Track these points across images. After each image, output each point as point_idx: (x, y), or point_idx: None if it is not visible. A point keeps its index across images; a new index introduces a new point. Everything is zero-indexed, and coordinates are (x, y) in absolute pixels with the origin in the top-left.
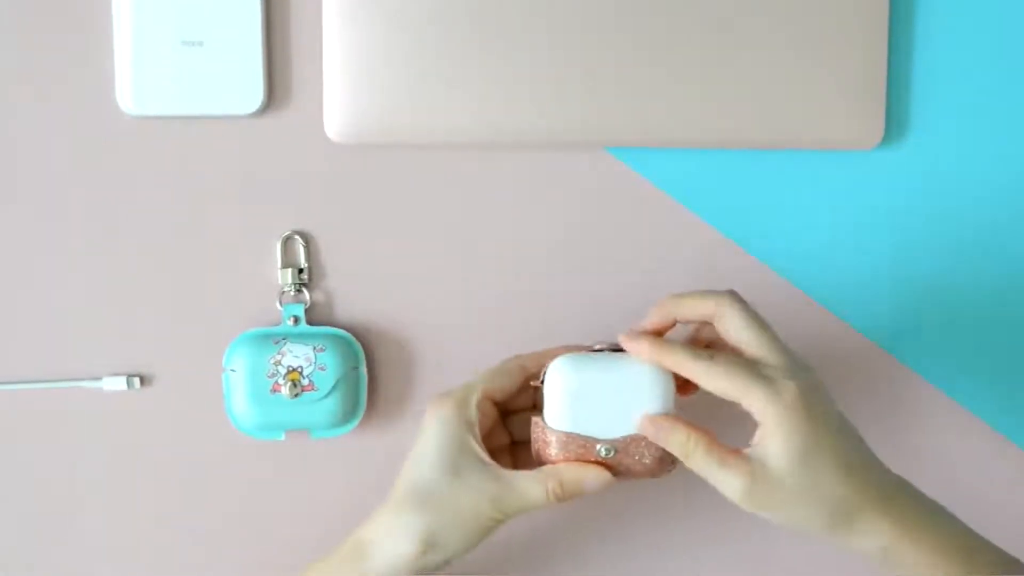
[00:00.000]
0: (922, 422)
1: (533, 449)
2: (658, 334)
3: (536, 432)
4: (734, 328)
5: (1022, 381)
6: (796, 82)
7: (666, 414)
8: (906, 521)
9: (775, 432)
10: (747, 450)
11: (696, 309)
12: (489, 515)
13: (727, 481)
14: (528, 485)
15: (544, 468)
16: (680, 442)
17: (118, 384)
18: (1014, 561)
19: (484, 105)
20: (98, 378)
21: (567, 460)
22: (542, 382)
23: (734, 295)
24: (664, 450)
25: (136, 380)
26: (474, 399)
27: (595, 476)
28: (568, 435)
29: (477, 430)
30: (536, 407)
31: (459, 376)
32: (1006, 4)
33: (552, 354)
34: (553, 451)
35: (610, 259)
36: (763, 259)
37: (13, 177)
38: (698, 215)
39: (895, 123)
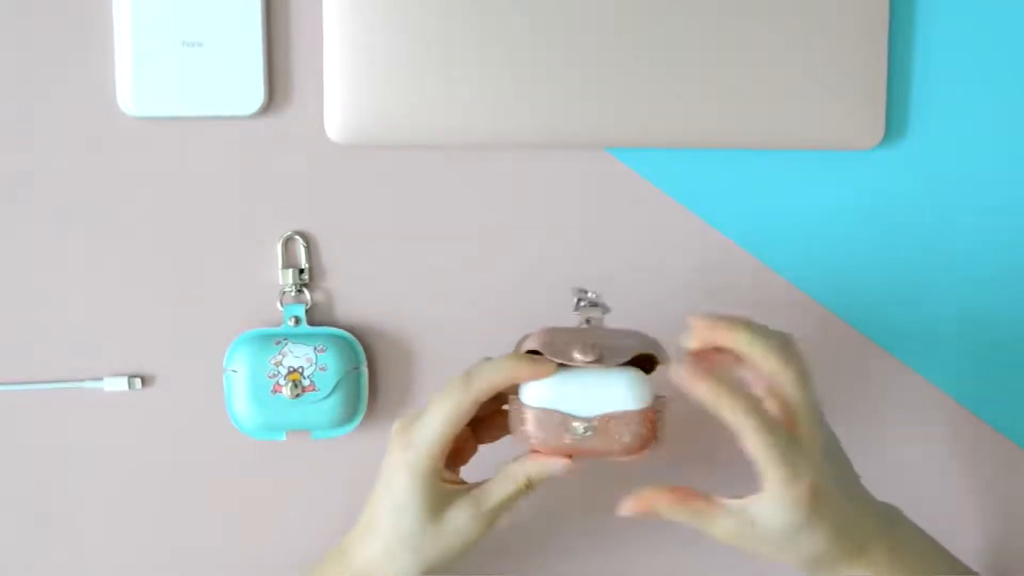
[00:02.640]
0: (922, 421)
1: (511, 426)
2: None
3: (513, 410)
4: (788, 386)
5: (1022, 381)
6: (796, 82)
7: (645, 496)
8: (892, 558)
9: (776, 509)
10: (740, 502)
11: (759, 363)
12: (478, 531)
13: (711, 524)
14: (502, 490)
15: (510, 467)
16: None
17: (119, 384)
18: None
19: (484, 105)
20: (99, 378)
21: (544, 437)
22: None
23: (798, 363)
24: (643, 429)
25: (137, 380)
26: (437, 450)
27: (560, 465)
28: (545, 411)
29: (446, 472)
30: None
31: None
32: (1006, 4)
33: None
34: (530, 428)
35: (610, 259)
36: (763, 259)
37: (13, 177)
38: (698, 215)
39: (895, 123)
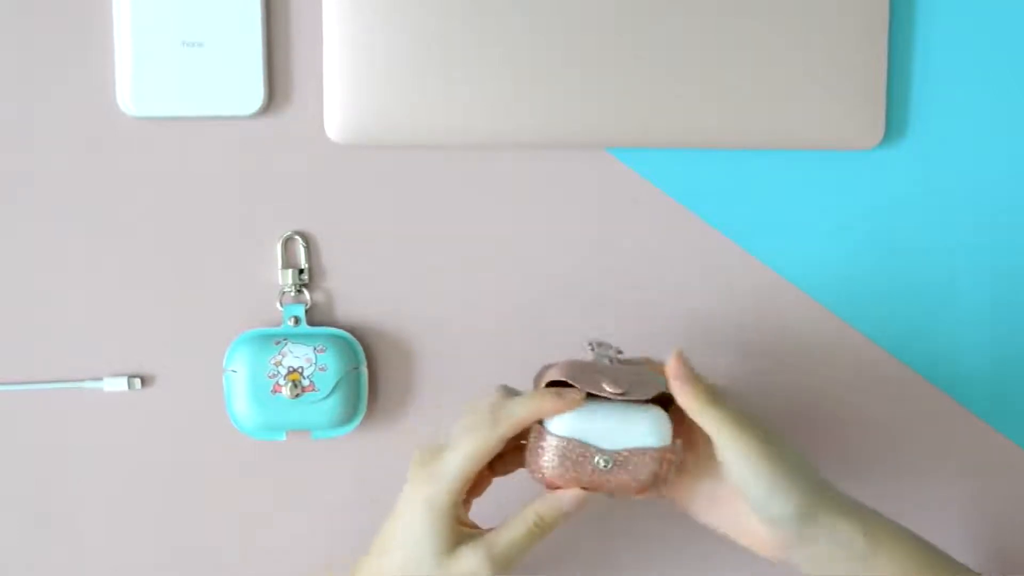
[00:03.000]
0: (922, 422)
1: (528, 459)
2: None
3: (534, 438)
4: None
5: (1022, 381)
6: (796, 82)
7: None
8: (871, 511)
9: (739, 450)
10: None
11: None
12: (491, 571)
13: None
14: (514, 528)
15: (521, 511)
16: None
17: (119, 385)
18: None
19: (484, 105)
20: (99, 379)
21: (563, 470)
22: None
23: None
24: (660, 468)
25: (137, 381)
26: (458, 487)
27: (570, 496)
28: (569, 442)
29: (464, 514)
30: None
31: (458, 376)
32: (1006, 4)
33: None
34: (550, 458)
35: (610, 259)
36: (763, 259)
37: (13, 177)
38: (698, 215)
39: (895, 123)
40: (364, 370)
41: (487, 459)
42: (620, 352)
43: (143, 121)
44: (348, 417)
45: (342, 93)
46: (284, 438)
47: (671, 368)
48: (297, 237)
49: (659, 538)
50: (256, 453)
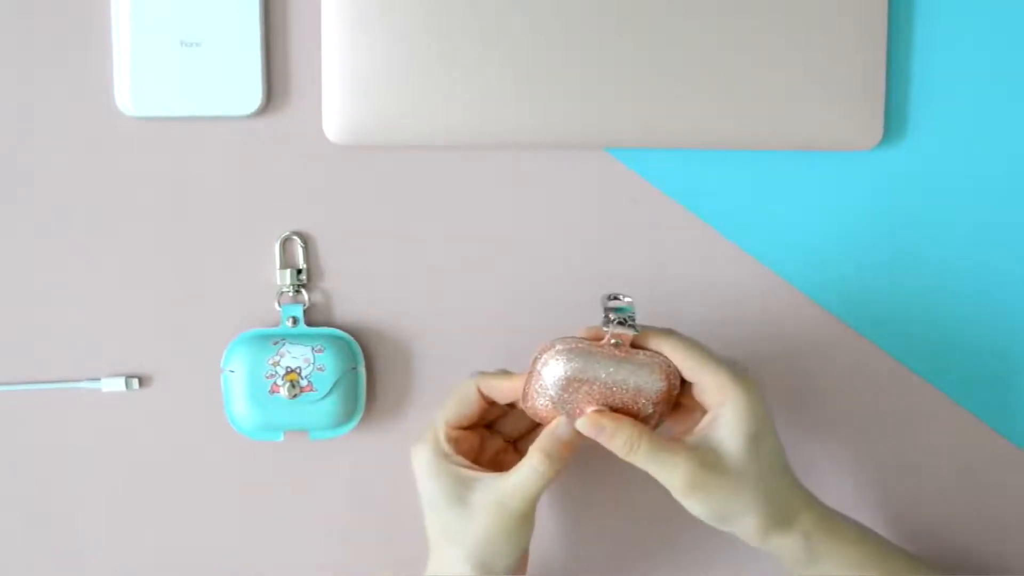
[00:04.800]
0: (921, 422)
1: (524, 397)
2: None
3: (532, 378)
4: (685, 357)
5: (1021, 381)
6: (795, 82)
7: (606, 413)
8: (826, 517)
9: (733, 413)
10: (691, 437)
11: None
12: (508, 517)
13: (672, 469)
14: (520, 472)
15: (530, 451)
16: (626, 438)
17: (117, 385)
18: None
19: (483, 106)
20: (97, 379)
21: (558, 396)
22: (534, 370)
23: (674, 332)
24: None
25: (135, 381)
26: (441, 434)
27: (564, 423)
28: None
29: (456, 456)
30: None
31: (456, 377)
32: (1005, 5)
33: (509, 380)
34: (550, 384)
35: (609, 260)
36: (762, 260)
37: (12, 178)
38: (698, 216)
39: (894, 123)
40: (362, 370)
41: (467, 405)
42: (632, 320)
43: (141, 121)
44: (346, 417)
45: (340, 93)
46: (282, 438)
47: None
48: (295, 237)
49: (661, 539)
50: (254, 453)
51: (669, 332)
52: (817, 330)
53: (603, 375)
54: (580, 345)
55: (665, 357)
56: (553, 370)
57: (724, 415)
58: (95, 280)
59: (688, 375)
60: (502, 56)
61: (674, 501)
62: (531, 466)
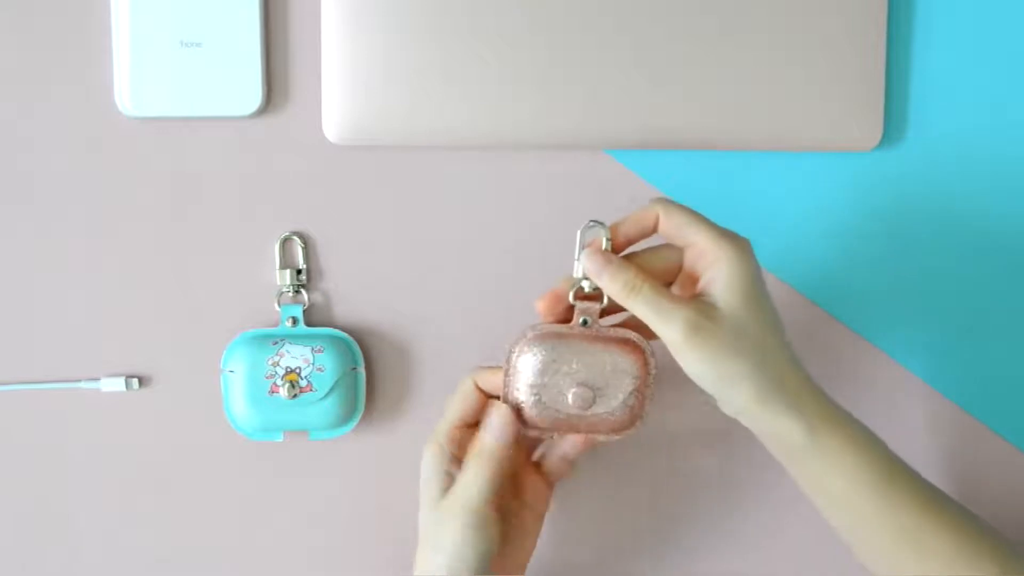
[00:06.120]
0: (920, 423)
1: (504, 393)
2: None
3: (508, 373)
4: (679, 220)
5: (1021, 382)
6: (795, 83)
7: (610, 255)
8: (830, 407)
9: (728, 267)
10: (698, 287)
11: (640, 222)
12: (462, 520)
13: (672, 317)
14: (464, 475)
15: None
16: (627, 279)
17: (116, 385)
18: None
19: (483, 106)
20: (96, 379)
21: (536, 386)
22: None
23: (664, 198)
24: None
25: (135, 381)
26: (443, 433)
27: (492, 422)
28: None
29: (453, 455)
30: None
31: (456, 377)
32: (1005, 5)
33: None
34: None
35: None
36: (762, 260)
37: (12, 178)
38: None
39: (894, 124)
40: (362, 371)
41: (468, 412)
42: (597, 290)
43: (141, 121)
44: (346, 418)
45: (340, 93)
46: (282, 438)
47: (590, 269)
48: (295, 237)
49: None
50: (254, 453)
51: (658, 200)
52: (816, 330)
53: (575, 363)
54: (549, 331)
55: (636, 334)
56: (527, 362)
57: (719, 274)
58: (94, 280)
59: (681, 240)
60: (502, 57)
61: (668, 500)
62: (474, 462)
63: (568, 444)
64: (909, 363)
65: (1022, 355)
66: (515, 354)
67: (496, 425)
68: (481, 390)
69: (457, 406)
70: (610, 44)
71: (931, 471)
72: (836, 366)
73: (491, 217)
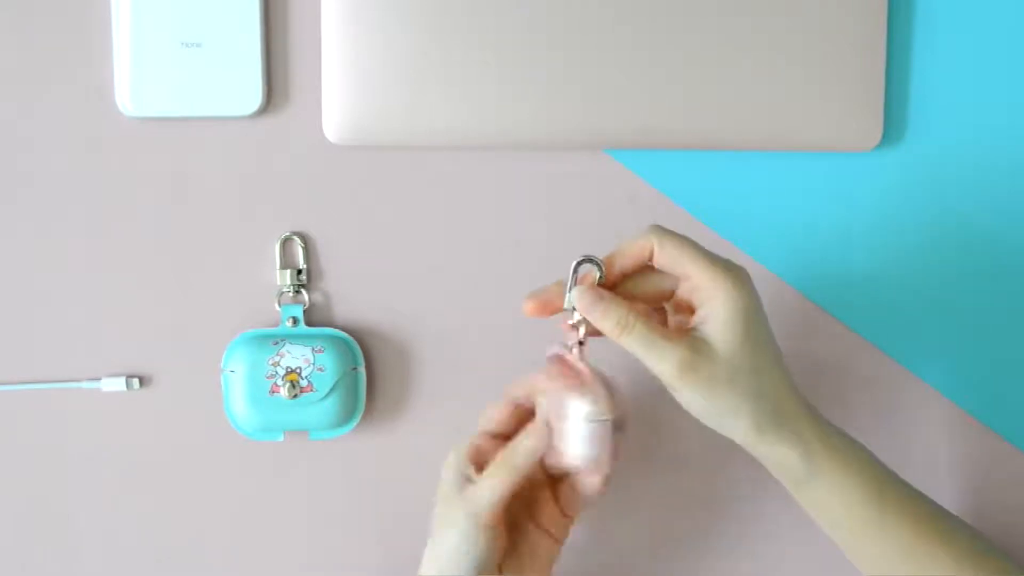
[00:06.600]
0: (920, 423)
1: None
2: None
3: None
4: (675, 252)
5: (1021, 382)
6: (795, 84)
7: (602, 291)
8: (826, 431)
9: (725, 303)
10: (692, 322)
11: (635, 256)
12: (466, 526)
13: (666, 356)
14: (481, 483)
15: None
16: (619, 317)
17: (117, 385)
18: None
19: (483, 106)
20: (97, 379)
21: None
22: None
23: (660, 227)
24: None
25: (135, 381)
26: (473, 438)
27: (525, 441)
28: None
29: (470, 461)
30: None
31: (457, 377)
32: (1005, 5)
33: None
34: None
35: None
36: (761, 261)
37: (12, 178)
38: (696, 217)
39: (893, 125)
40: (362, 371)
41: (496, 422)
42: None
43: (142, 121)
44: (346, 418)
45: (340, 94)
46: (282, 438)
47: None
48: (295, 237)
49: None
50: (254, 453)
51: (652, 229)
52: (815, 330)
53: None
54: (554, 384)
55: (610, 388)
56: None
57: (714, 311)
58: (95, 280)
59: (678, 271)
60: (502, 57)
61: (678, 508)
62: (489, 474)
63: (587, 482)
64: (909, 362)
65: (1021, 355)
66: (554, 416)
67: (527, 445)
68: (511, 403)
69: (487, 413)
70: (610, 44)
71: (931, 471)
72: (836, 366)
73: (491, 217)
